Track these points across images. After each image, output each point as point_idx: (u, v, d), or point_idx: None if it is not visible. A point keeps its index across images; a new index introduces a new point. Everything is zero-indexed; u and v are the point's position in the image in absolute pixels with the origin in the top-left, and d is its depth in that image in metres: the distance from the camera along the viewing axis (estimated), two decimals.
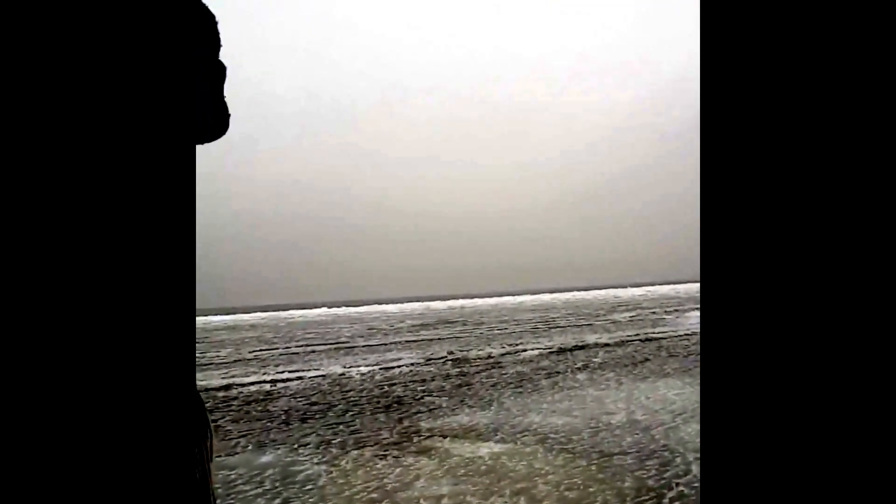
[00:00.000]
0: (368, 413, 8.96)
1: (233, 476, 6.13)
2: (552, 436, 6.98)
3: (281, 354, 18.77)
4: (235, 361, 17.26)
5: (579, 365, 12.83)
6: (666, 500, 4.77)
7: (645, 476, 5.39)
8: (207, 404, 8.25)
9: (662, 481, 5.22)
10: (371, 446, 6.99)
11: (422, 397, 10.04)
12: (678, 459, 5.79)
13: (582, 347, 16.18)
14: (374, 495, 5.28)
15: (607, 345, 16.47)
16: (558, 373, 11.87)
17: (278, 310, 63.67)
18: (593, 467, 5.72)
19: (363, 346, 20.01)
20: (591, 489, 5.12)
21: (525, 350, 16.19)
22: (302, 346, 21.72)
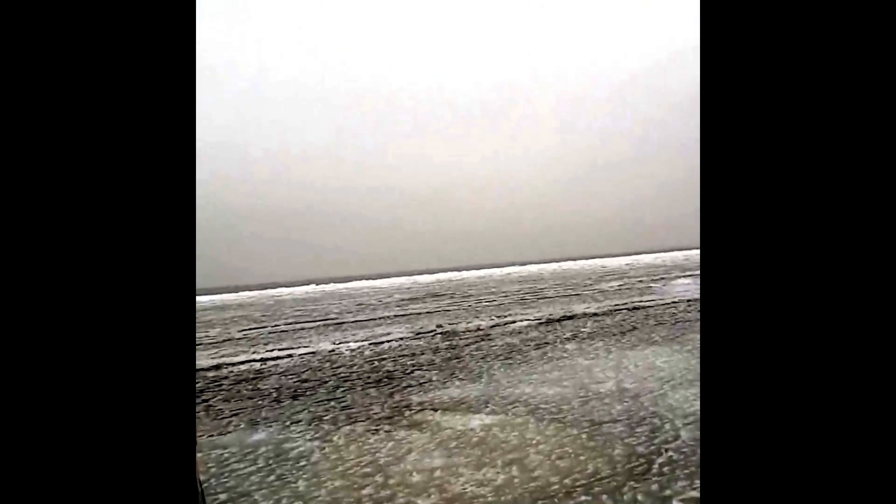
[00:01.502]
0: (359, 388, 8.99)
1: (226, 455, 6.14)
2: (543, 406, 7.03)
3: (270, 333, 18.76)
4: (224, 341, 17.23)
5: (568, 335, 12.91)
6: (656, 466, 4.83)
7: (635, 443, 5.46)
8: (198, 384, 8.29)
9: (652, 447, 5.28)
10: (363, 421, 7.02)
11: (412, 371, 10.07)
12: (667, 426, 5.86)
13: (570, 317, 16.28)
14: (368, 469, 5.31)
15: (595, 314, 16.58)
16: (547, 343, 11.95)
17: (266, 288, 63.54)
18: (584, 436, 5.78)
19: (352, 322, 20.03)
20: (582, 457, 5.18)
21: (514, 321, 16.26)
22: (290, 323, 21.71)
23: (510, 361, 10.23)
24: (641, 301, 19.37)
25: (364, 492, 4.80)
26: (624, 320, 14.71)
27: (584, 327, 13.98)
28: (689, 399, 6.79)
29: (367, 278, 75.11)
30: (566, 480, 4.70)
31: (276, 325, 21.15)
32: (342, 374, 10.24)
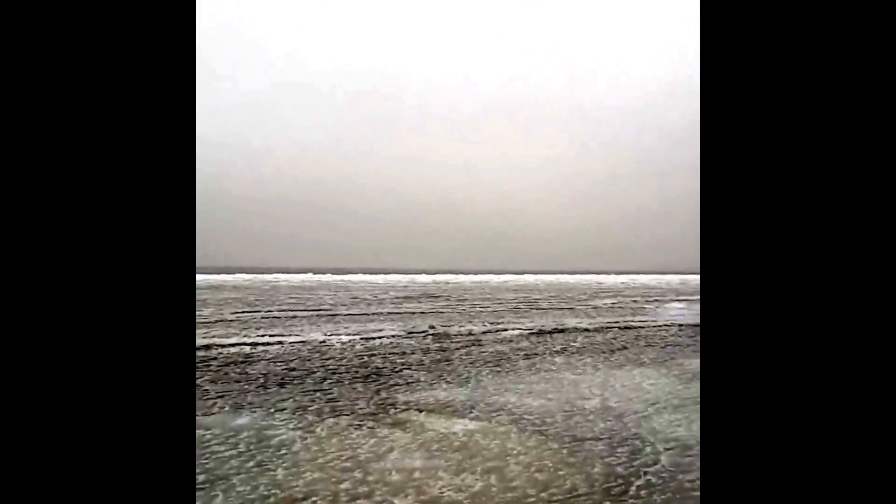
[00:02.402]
0: (346, 382, 9.02)
1: (208, 436, 6.16)
2: (526, 417, 7.06)
3: (262, 318, 18.78)
4: (217, 322, 17.26)
5: (558, 348, 12.94)
6: (633, 489, 4.87)
7: (615, 462, 5.49)
8: None
9: (631, 469, 5.32)
10: (347, 415, 7.05)
11: (400, 370, 10.10)
12: (648, 448, 5.89)
13: (562, 331, 16.31)
14: (347, 464, 5.34)
15: (587, 330, 16.61)
16: (536, 354, 11.98)
17: (263, 272, 63.51)
18: (565, 451, 5.81)
19: (345, 315, 20.05)
20: (560, 472, 5.21)
21: (506, 329, 16.29)
22: (284, 310, 21.73)
23: (498, 369, 10.26)
24: (634, 321, 19.41)
25: (342, 486, 4.83)
26: (615, 338, 14.74)
27: (575, 342, 14.01)
28: (672, 424, 6.82)
29: (365, 272, 75.10)
30: (543, 494, 4.72)
31: (269, 311, 21.17)
32: (331, 367, 10.26)
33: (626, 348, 13.07)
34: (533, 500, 4.62)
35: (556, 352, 12.42)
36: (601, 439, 6.20)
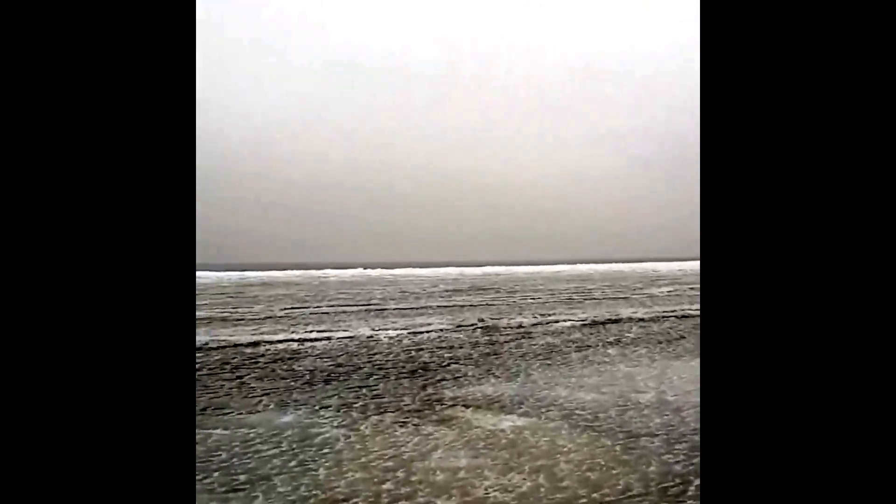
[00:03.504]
0: (393, 378, 8.87)
1: (252, 435, 6.08)
2: (578, 412, 6.78)
3: (311, 313, 18.88)
4: (266, 318, 17.40)
5: (611, 339, 12.57)
6: (692, 488, 4.54)
7: (672, 461, 5.17)
8: (234, 360, 8.29)
9: (690, 467, 4.98)
10: (392, 412, 6.89)
11: (448, 364, 9.92)
12: None
13: (616, 321, 15.89)
14: (390, 463, 5.16)
15: (642, 319, 16.14)
16: (589, 346, 11.64)
17: (313, 268, 64.39)
18: (618, 448, 5.51)
19: (394, 309, 20.01)
20: (614, 471, 4.92)
21: (557, 321, 15.96)
22: (333, 305, 21.84)
23: (549, 362, 9.98)
24: (691, 309, 18.78)
25: (384, 486, 4.65)
26: (671, 328, 14.26)
27: (629, 332, 13.59)
28: None
29: (415, 266, 75.46)
30: (595, 495, 4.45)
31: (318, 307, 21.30)
32: (377, 362, 10.15)
33: (683, 338, 12.60)
34: (584, 501, 4.35)
35: (610, 343, 12.05)
36: (657, 435, 5.87)
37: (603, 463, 5.11)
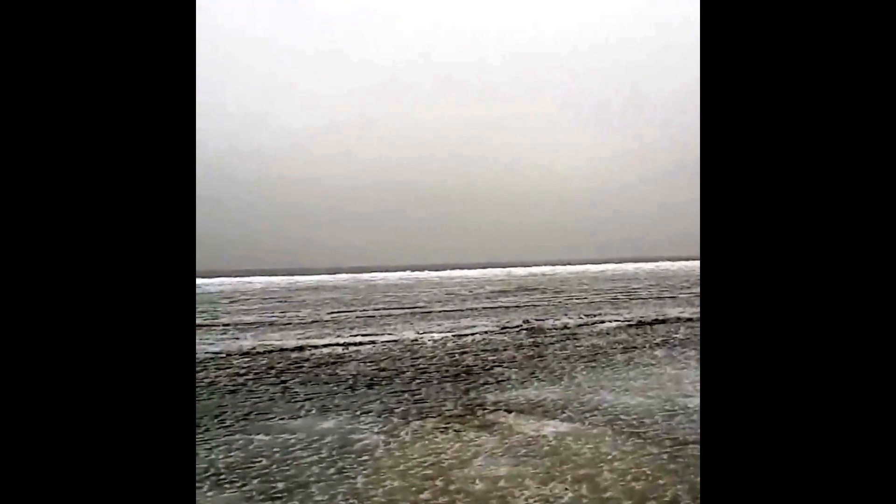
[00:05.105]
0: (435, 382, 8.80)
1: (292, 440, 6.09)
2: (623, 417, 6.59)
3: (357, 317, 18.98)
4: (313, 322, 17.57)
5: (658, 340, 12.25)
6: None
7: None
8: (279, 365, 8.35)
9: None
10: (433, 417, 6.82)
11: (491, 368, 9.80)
12: None
13: (663, 321, 15.52)
14: (430, 471, 5.08)
15: (690, 320, 15.72)
16: (635, 348, 11.37)
17: (361, 272, 64.99)
18: (665, 456, 5.32)
19: (439, 312, 19.97)
20: (660, 481, 4.74)
21: (602, 322, 15.67)
22: (379, 309, 21.93)
23: (594, 364, 9.77)
24: None
25: (422, 496, 4.58)
26: None
27: (677, 333, 13.24)
28: None
29: (462, 267, 75.45)
30: None
31: (364, 310, 21.42)
32: (420, 366, 10.10)
33: None
34: None
35: (657, 344, 11.75)
36: None
37: (649, 472, 4.93)
